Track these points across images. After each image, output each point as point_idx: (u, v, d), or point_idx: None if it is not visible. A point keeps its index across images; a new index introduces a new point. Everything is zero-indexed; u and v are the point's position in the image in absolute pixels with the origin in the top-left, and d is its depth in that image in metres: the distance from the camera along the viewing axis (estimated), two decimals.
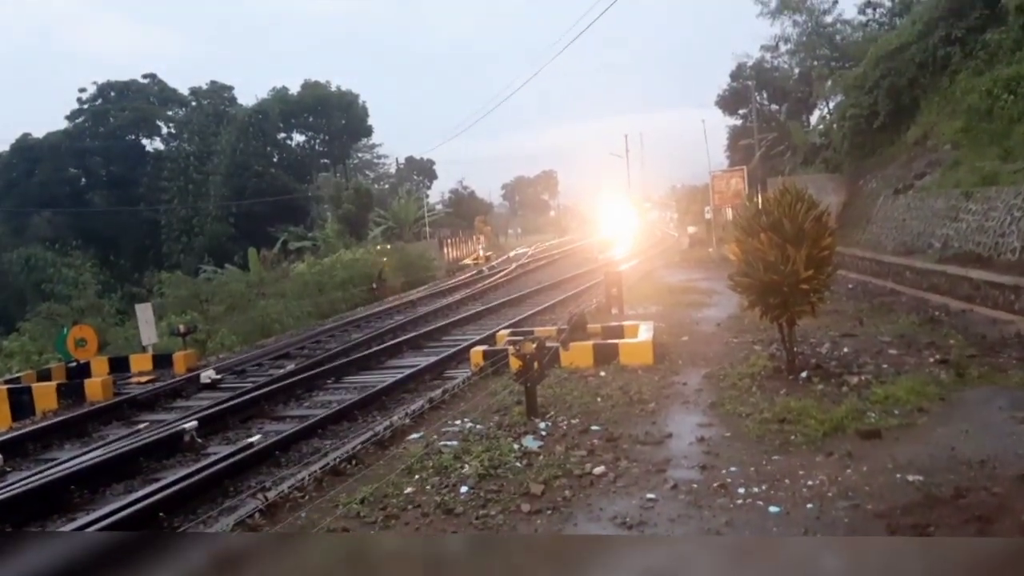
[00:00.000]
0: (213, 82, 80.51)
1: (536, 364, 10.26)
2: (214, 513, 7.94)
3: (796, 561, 2.20)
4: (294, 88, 77.04)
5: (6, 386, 16.16)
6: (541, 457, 8.48)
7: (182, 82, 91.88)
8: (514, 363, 10.96)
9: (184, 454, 10.85)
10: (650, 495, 7.27)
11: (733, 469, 7.77)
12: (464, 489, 7.68)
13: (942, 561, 2.05)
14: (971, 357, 11.45)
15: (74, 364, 18.31)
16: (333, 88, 77.15)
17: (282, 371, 16.52)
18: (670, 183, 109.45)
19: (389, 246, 46.98)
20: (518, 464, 8.30)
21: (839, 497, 6.87)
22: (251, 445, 10.38)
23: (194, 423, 11.42)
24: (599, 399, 10.87)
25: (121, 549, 2.17)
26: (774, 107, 53.56)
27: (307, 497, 7.91)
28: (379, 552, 2.37)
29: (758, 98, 51.40)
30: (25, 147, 72.05)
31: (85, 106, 76.02)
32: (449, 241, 56.58)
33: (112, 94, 76.54)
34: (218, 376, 16.23)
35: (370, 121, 79.45)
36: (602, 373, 12.44)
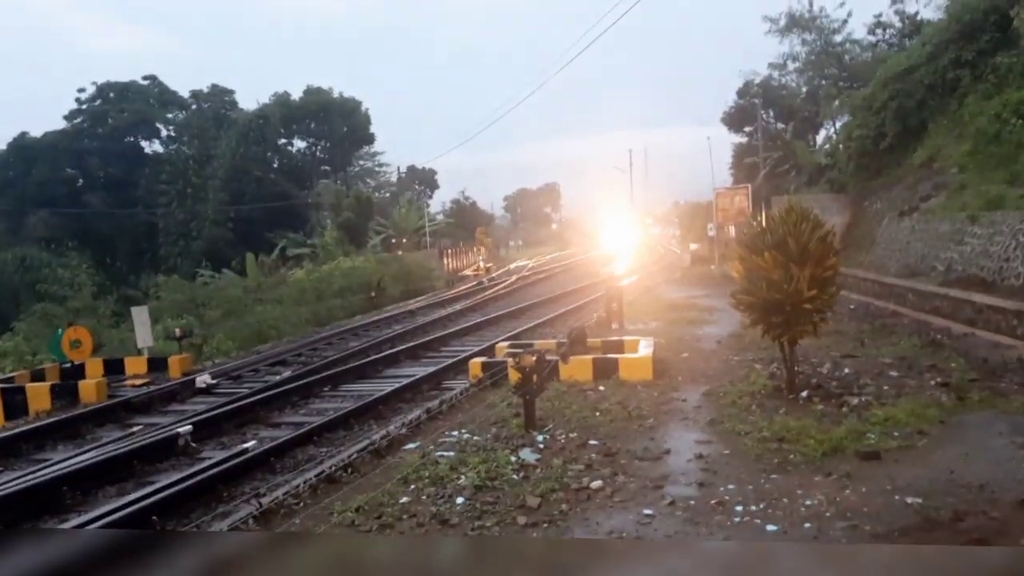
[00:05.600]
0: (214, 85, 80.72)
1: (535, 377, 10.20)
2: (208, 518, 7.86)
3: (794, 568, 2.14)
4: (296, 93, 77.16)
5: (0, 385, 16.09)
6: (538, 470, 8.43)
7: (182, 84, 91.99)
8: (513, 375, 10.92)
9: (178, 458, 10.81)
10: (647, 511, 7.21)
11: (731, 487, 7.71)
12: (460, 500, 7.62)
13: (938, 570, 1.99)
14: (972, 381, 11.39)
15: (68, 365, 18.22)
16: (336, 95, 77.19)
17: (278, 378, 16.46)
18: (673, 199, 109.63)
19: (388, 255, 47.02)
20: (515, 476, 8.24)
21: (837, 517, 6.82)
22: (246, 451, 10.33)
23: (189, 427, 11.38)
24: (598, 413, 10.81)
25: (117, 548, 2.11)
26: (780, 126, 53.56)
27: (302, 504, 7.86)
28: (377, 554, 2.31)
29: (764, 116, 51.46)
30: (22, 146, 72.11)
31: (84, 106, 76.10)
32: (449, 251, 56.60)
33: (111, 95, 76.61)
34: (213, 381, 16.18)
35: (372, 129, 79.52)
36: (601, 387, 12.38)
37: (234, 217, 67.14)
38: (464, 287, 40.78)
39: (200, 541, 2.27)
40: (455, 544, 3.12)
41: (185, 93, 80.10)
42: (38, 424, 13.15)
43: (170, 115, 79.42)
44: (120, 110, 75.33)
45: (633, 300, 23.64)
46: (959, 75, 26.27)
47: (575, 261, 59.72)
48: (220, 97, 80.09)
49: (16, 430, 12.87)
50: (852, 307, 21.00)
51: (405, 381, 14.84)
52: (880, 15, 43.44)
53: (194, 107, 79.87)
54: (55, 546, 2.08)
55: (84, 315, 27.56)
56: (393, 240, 58.14)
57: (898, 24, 42.25)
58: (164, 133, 79.33)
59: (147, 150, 78.39)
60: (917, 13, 40.10)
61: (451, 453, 9.15)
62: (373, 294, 35.44)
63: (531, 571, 2.14)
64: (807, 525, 6.70)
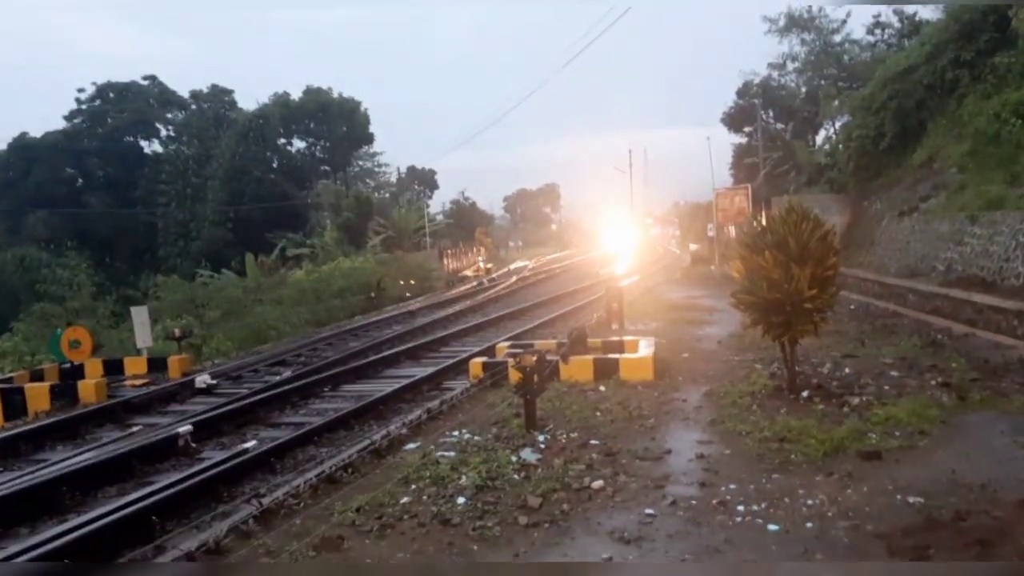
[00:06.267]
0: (214, 85, 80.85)
1: (536, 377, 10.19)
2: (208, 518, 7.84)
3: None
4: (296, 94, 77.22)
5: None
6: (539, 470, 8.41)
7: (182, 85, 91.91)
8: (514, 375, 10.91)
9: (178, 458, 10.78)
10: (649, 511, 7.20)
11: (732, 487, 7.70)
12: (461, 500, 7.60)
13: None
14: (973, 381, 11.39)
15: (68, 365, 18.17)
16: (335, 95, 77.23)
17: (278, 378, 16.43)
18: (673, 199, 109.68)
19: (388, 255, 47.04)
20: (516, 476, 8.22)
21: (839, 517, 6.81)
22: (246, 451, 10.31)
23: (188, 427, 11.36)
24: (598, 413, 10.80)
25: None
26: (780, 126, 53.61)
27: (302, 504, 7.83)
28: None
29: (764, 116, 51.48)
30: (22, 146, 72.24)
31: (83, 106, 76.32)
32: (449, 252, 56.60)
33: (111, 95, 76.82)
34: (213, 381, 16.14)
35: (372, 129, 79.61)
36: (602, 388, 12.37)
37: (233, 217, 67.16)
38: (464, 288, 40.80)
39: (144, 571, 2.25)
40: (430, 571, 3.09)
41: (185, 93, 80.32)
42: (37, 424, 13.10)
43: (169, 115, 79.62)
44: (120, 110, 75.50)
45: (633, 300, 23.66)
46: (958, 75, 26.30)
47: (575, 262, 59.77)
48: (219, 97, 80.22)
49: (15, 430, 12.82)
50: (852, 307, 21.00)
51: (405, 381, 14.81)
52: (879, 15, 43.59)
53: (193, 107, 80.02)
54: None
55: (83, 315, 27.53)
56: (391, 233, 58.16)
57: (897, 24, 42.34)
58: (164, 133, 79.61)
59: (147, 150, 78.67)
60: (916, 13, 40.20)
61: (452, 453, 9.13)
62: (373, 295, 35.44)
63: None
64: (809, 525, 6.68)
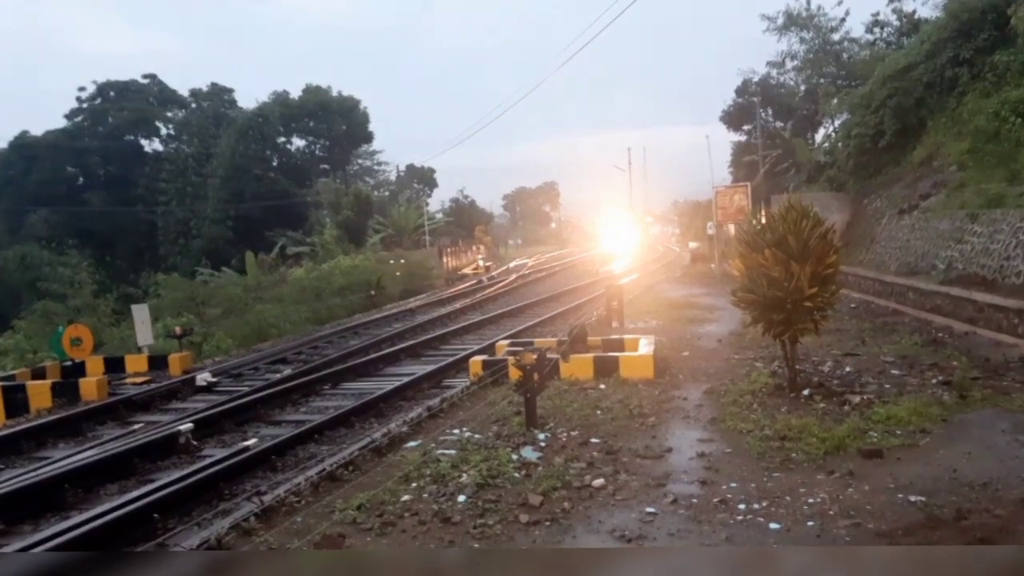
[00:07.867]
0: (214, 84, 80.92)
1: (536, 375, 10.18)
2: (209, 515, 7.85)
3: (795, 571, 2.14)
4: (295, 92, 77.15)
5: (0, 383, 16.04)
6: (540, 468, 8.41)
7: (182, 83, 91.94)
8: (514, 373, 10.92)
9: (179, 456, 10.78)
10: (649, 509, 7.20)
11: (733, 485, 7.70)
12: (462, 498, 7.61)
13: (943, 570, 1.98)
14: (974, 379, 11.39)
15: (69, 363, 18.19)
16: (334, 93, 77.16)
17: (279, 376, 16.44)
18: (672, 198, 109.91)
19: (387, 254, 47.02)
20: (516, 474, 8.22)
21: (840, 515, 6.81)
22: (247, 448, 10.31)
23: (190, 425, 11.35)
24: (599, 412, 10.81)
25: (82, 570, 2.05)
26: (779, 124, 53.58)
27: (303, 502, 7.83)
28: (358, 570, 2.25)
29: (763, 114, 51.46)
30: (23, 145, 72.15)
31: (84, 105, 76.23)
32: (449, 250, 56.57)
33: (111, 94, 76.74)
34: (214, 379, 16.15)
35: (371, 127, 79.54)
36: (602, 386, 12.38)
37: (234, 215, 67.13)
38: (463, 286, 40.76)
39: (159, 560, 2.22)
40: (447, 556, 3.08)
41: (184, 92, 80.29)
42: (39, 422, 13.10)
43: (170, 114, 79.55)
44: (120, 109, 75.40)
45: (633, 298, 23.67)
46: (957, 73, 26.31)
47: (574, 260, 59.70)
48: (219, 96, 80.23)
49: (17, 428, 12.83)
50: (853, 306, 21.01)
51: (406, 379, 14.81)
52: (878, 13, 43.43)
53: (193, 106, 79.97)
54: (24, 569, 2.03)
55: (84, 313, 27.54)
56: (391, 231, 58.16)
57: (896, 22, 42.22)
58: (164, 132, 79.50)
59: (147, 149, 78.58)
60: (915, 11, 40.15)
61: (452, 451, 9.14)
62: (373, 293, 35.43)
63: None
64: (810, 523, 6.68)
